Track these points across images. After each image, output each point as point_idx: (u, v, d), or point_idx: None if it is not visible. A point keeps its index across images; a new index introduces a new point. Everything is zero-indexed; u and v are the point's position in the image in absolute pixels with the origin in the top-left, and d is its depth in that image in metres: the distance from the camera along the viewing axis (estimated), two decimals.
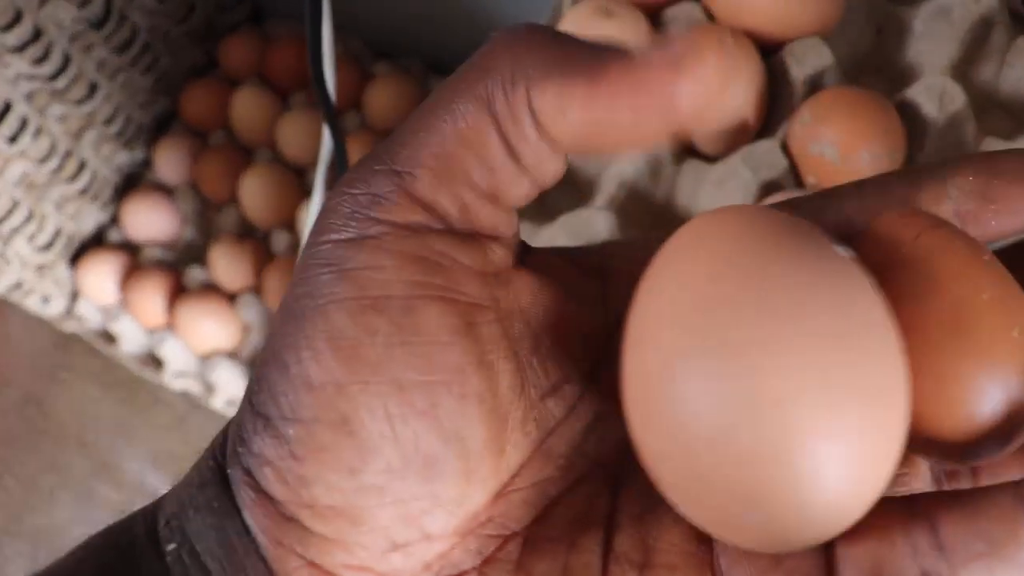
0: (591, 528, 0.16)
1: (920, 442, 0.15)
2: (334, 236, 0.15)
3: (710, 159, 0.37)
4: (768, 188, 0.35)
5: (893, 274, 0.15)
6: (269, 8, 0.73)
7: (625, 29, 0.37)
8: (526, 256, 0.17)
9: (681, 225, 0.16)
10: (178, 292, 0.64)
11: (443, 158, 0.15)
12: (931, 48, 0.38)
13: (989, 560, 0.14)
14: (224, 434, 0.16)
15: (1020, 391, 0.14)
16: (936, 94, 0.35)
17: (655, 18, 0.39)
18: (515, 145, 0.15)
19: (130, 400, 0.69)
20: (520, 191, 0.16)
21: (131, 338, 0.64)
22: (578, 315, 0.17)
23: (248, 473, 0.15)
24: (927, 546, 0.15)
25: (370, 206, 0.15)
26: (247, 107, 0.66)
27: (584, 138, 0.15)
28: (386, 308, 0.15)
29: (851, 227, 0.17)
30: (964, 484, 0.16)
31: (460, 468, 0.15)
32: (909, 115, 0.36)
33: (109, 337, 0.65)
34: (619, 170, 0.37)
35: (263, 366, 0.15)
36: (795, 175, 0.36)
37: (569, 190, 0.40)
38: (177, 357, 0.63)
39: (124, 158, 0.68)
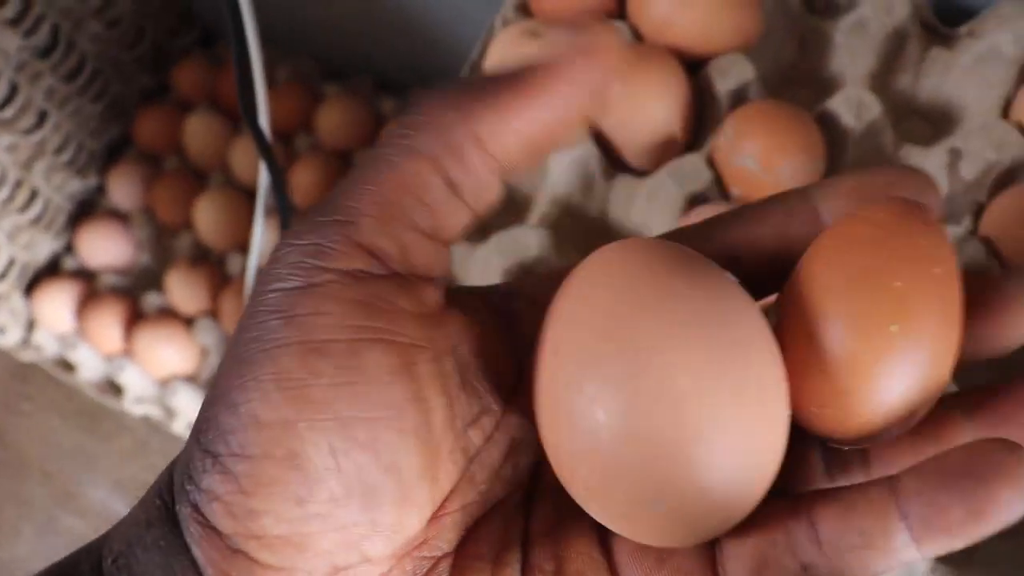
0: (511, 545, 0.17)
1: (822, 430, 0.17)
2: (280, 285, 0.16)
3: (640, 174, 0.38)
4: (695, 200, 0.36)
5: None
6: (219, 31, 0.73)
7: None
8: (449, 295, 0.18)
9: (612, 240, 0.17)
10: (135, 318, 0.64)
11: (384, 204, 0.16)
12: (850, 60, 0.39)
13: (863, 552, 0.15)
14: (170, 473, 0.17)
15: (905, 383, 0.16)
16: (854, 105, 0.37)
17: None
18: (456, 179, 0.16)
19: (91, 428, 0.69)
20: (459, 222, 0.17)
21: (90, 365, 0.64)
22: (497, 351, 0.18)
23: (196, 509, 0.16)
24: (807, 541, 0.16)
25: (315, 255, 0.16)
26: (200, 131, 0.66)
27: (527, 145, 0.17)
28: (331, 351, 0.16)
29: (735, 252, 0.18)
30: (856, 476, 0.17)
31: (398, 496, 0.16)
32: (829, 125, 0.37)
33: (67, 365, 0.65)
34: (552, 188, 0.38)
35: (210, 407, 0.16)
36: (721, 187, 0.37)
37: (503, 209, 0.40)
38: (136, 383, 0.63)
39: (77, 185, 0.68)
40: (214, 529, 0.16)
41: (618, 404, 0.15)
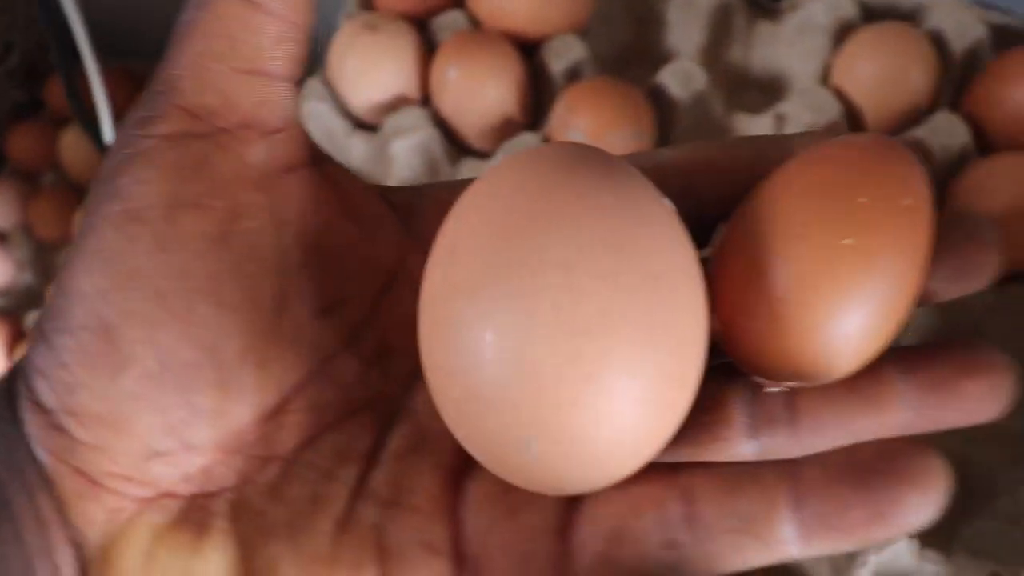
0: (351, 460, 0.16)
1: (755, 363, 0.15)
2: (111, 161, 0.16)
3: (482, 155, 0.39)
4: None
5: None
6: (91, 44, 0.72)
7: (392, 41, 0.39)
8: (323, 166, 0.17)
9: None
10: (19, 337, 0.63)
11: (196, 57, 0.16)
12: (682, 35, 0.41)
13: (738, 536, 0.14)
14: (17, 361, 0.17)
15: (857, 311, 0.14)
16: (679, 76, 0.38)
17: (423, 27, 0.41)
18: (265, 3, 0.16)
19: None
20: (276, 47, 0.16)
21: None
22: (363, 238, 0.17)
23: (27, 385, 0.16)
24: (678, 516, 0.14)
25: (140, 125, 0.16)
26: (76, 146, 0.65)
27: None
28: (148, 218, 0.15)
29: (689, 175, 0.17)
30: (780, 431, 0.15)
31: (216, 378, 0.15)
32: (659, 97, 0.38)
33: None
34: (398, 173, 0.39)
35: (51, 294, 0.16)
36: None
37: None
38: None
39: None
40: (39, 404, 0.15)
41: (508, 324, 0.13)
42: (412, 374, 0.17)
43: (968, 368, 0.15)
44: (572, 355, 0.13)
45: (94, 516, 0.15)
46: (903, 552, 0.31)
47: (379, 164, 0.40)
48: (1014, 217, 0.33)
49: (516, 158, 0.15)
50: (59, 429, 0.15)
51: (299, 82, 0.17)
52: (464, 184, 0.16)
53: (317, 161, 0.17)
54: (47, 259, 0.66)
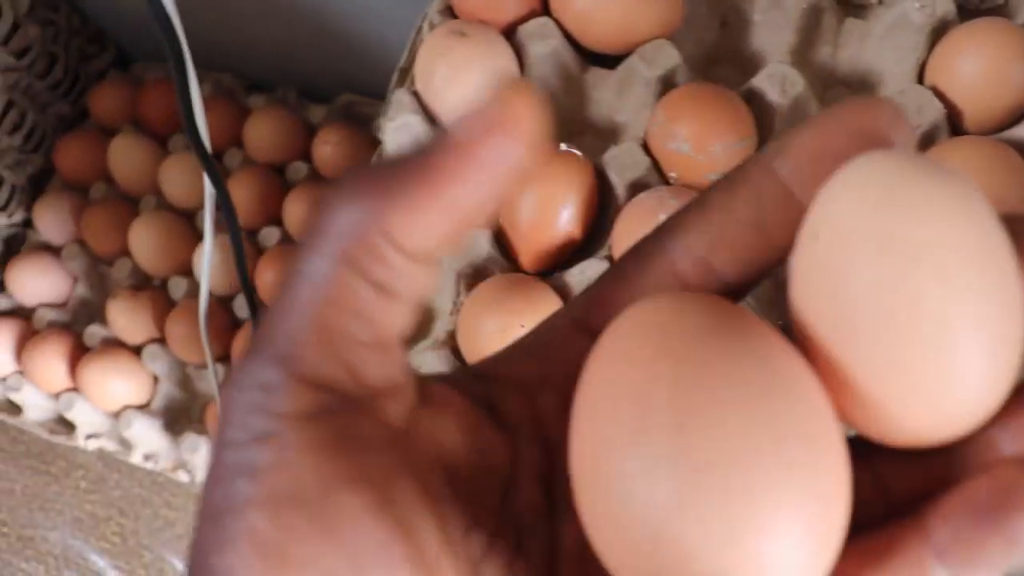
0: None
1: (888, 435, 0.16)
2: (235, 438, 0.15)
3: None
4: (635, 188, 0.37)
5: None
6: (133, 52, 0.71)
7: (480, 48, 0.38)
8: (429, 393, 0.17)
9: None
10: (79, 352, 0.63)
11: (320, 328, 0.15)
12: (771, 37, 0.40)
13: None
14: None
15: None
16: (778, 80, 0.38)
17: (510, 35, 0.40)
18: (384, 282, 0.15)
19: (43, 469, 0.68)
20: (400, 322, 0.16)
21: (36, 405, 0.63)
22: (483, 448, 0.17)
23: None
24: None
25: (263, 401, 0.15)
26: (125, 156, 0.65)
27: (446, 233, 0.15)
28: (302, 503, 0.15)
29: (708, 261, 0.17)
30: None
31: None
32: (756, 102, 0.38)
33: (14, 408, 0.64)
34: None
35: (194, 570, 0.15)
36: (658, 172, 0.38)
37: None
38: (88, 418, 0.62)
39: (2, 222, 0.66)
40: None
41: (654, 493, 0.14)
42: (550, 550, 0.17)
43: None
44: (724, 512, 0.14)
45: None
46: None
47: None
48: None
49: (632, 322, 0.16)
50: None
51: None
52: (517, 353, 0.18)
53: (426, 389, 0.17)
54: (102, 271, 0.66)
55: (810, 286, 0.15)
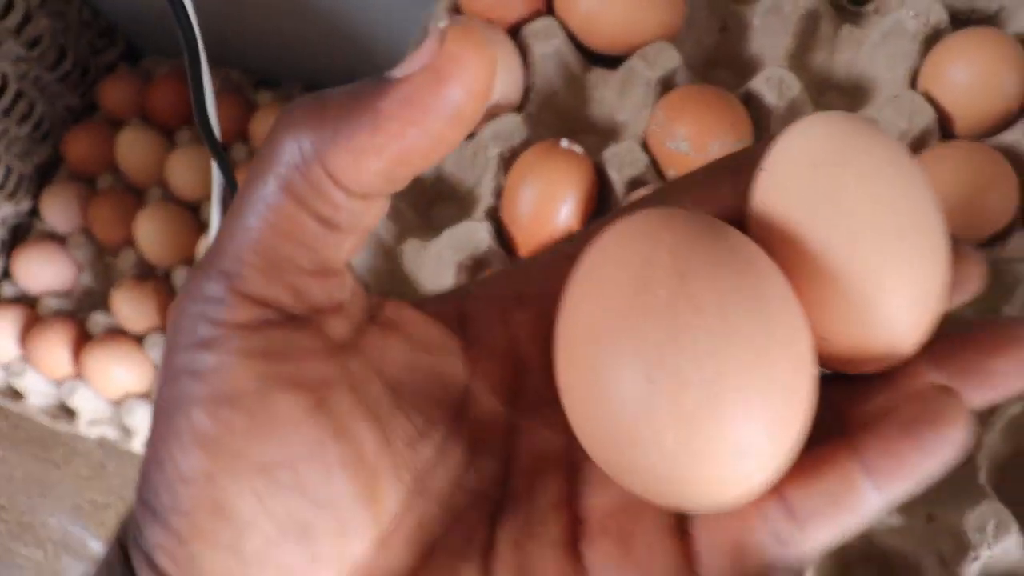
0: (472, 559, 0.17)
1: (840, 363, 0.17)
2: (183, 342, 0.16)
3: None
4: (634, 184, 0.38)
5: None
6: (143, 46, 0.72)
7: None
8: (379, 311, 0.18)
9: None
10: (83, 340, 0.63)
11: (263, 253, 0.16)
12: (769, 41, 0.41)
13: (831, 513, 0.16)
14: (127, 521, 0.17)
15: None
16: (775, 83, 0.39)
17: (515, 34, 0.41)
18: (327, 216, 0.16)
19: (44, 455, 0.68)
20: (345, 251, 0.17)
21: (39, 392, 0.63)
22: (434, 363, 0.18)
23: (145, 555, 0.16)
24: (779, 515, 0.16)
25: (208, 311, 0.16)
26: (132, 148, 0.66)
27: (389, 176, 0.16)
28: (240, 403, 0.16)
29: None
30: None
31: (335, 527, 0.16)
32: (754, 105, 0.39)
33: (16, 394, 0.64)
34: (493, 182, 0.39)
35: (146, 463, 0.17)
36: (657, 171, 0.39)
37: (451, 204, 0.42)
38: (90, 405, 0.62)
39: (9, 211, 0.66)
40: (162, 572, 0.16)
41: (638, 376, 0.15)
42: (503, 468, 0.18)
43: (992, 346, 0.17)
44: (704, 397, 0.15)
45: None
46: (1013, 547, 0.32)
47: (472, 171, 0.41)
48: None
49: (636, 226, 0.16)
50: None
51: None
52: (498, 276, 0.18)
53: (376, 308, 0.18)
54: (107, 261, 0.67)
55: (765, 210, 0.17)
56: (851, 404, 0.17)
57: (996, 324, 0.17)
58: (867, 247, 0.16)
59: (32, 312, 0.65)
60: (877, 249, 0.16)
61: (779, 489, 0.16)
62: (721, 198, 0.18)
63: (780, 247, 0.17)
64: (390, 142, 0.15)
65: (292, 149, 0.15)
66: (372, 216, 0.16)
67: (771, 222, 0.17)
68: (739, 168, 0.19)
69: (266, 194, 0.16)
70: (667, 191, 0.19)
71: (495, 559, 0.17)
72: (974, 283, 0.18)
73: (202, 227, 0.64)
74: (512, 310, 0.19)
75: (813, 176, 0.16)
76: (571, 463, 0.18)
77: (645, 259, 0.16)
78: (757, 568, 0.16)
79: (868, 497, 0.16)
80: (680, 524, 0.17)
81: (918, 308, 0.16)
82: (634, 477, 0.16)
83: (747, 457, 0.15)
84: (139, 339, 0.63)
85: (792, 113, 0.39)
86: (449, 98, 0.15)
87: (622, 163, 0.38)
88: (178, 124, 0.67)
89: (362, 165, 0.15)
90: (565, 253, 0.19)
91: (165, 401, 0.16)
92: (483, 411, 0.18)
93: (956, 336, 0.17)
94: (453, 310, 0.19)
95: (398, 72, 0.15)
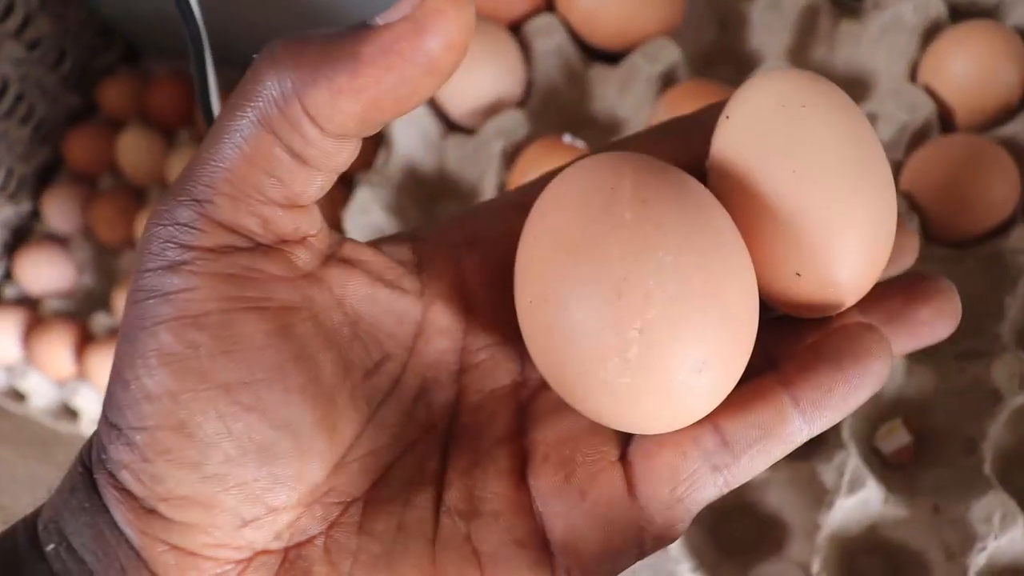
0: (423, 487, 0.18)
1: (794, 303, 0.18)
2: (151, 265, 0.17)
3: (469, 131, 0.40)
4: None
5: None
6: (143, 47, 0.72)
7: (487, 43, 0.39)
8: (339, 248, 0.19)
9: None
10: (85, 341, 0.63)
11: (235, 181, 0.16)
12: (768, 37, 0.41)
13: (762, 442, 0.17)
14: (90, 443, 0.18)
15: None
16: None
17: (516, 31, 0.41)
18: (300, 151, 0.16)
19: (46, 456, 0.68)
20: (314, 188, 0.17)
21: (41, 393, 0.63)
22: (391, 297, 0.19)
23: (111, 475, 0.17)
24: (713, 444, 0.17)
25: (178, 235, 0.16)
26: (133, 148, 0.66)
27: (363, 119, 0.16)
28: (205, 324, 0.16)
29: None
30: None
31: (293, 449, 0.17)
32: None
33: (18, 395, 0.64)
34: (496, 177, 0.39)
35: (111, 383, 0.17)
36: None
37: (454, 199, 0.42)
38: (92, 406, 0.62)
39: (10, 212, 0.66)
40: (127, 491, 0.17)
41: (592, 306, 0.16)
42: (452, 403, 0.19)
43: (918, 296, 0.18)
44: (655, 325, 0.16)
45: None
46: (1019, 538, 0.32)
47: (475, 167, 0.41)
48: None
49: (599, 161, 0.18)
50: (150, 512, 0.17)
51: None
52: (450, 221, 0.20)
53: (337, 245, 0.19)
54: (108, 261, 0.67)
55: (723, 156, 0.18)
56: (782, 346, 0.19)
57: (921, 276, 0.19)
58: (818, 191, 0.17)
59: (34, 313, 0.65)
60: (828, 194, 0.17)
61: (713, 419, 0.17)
62: (670, 153, 0.19)
63: (736, 187, 0.18)
64: (368, 86, 0.16)
65: (273, 85, 0.16)
66: (343, 157, 0.17)
67: (727, 167, 0.18)
68: (687, 128, 0.20)
69: (242, 126, 0.16)
70: (617, 144, 0.20)
71: (445, 487, 0.18)
72: (909, 256, 0.20)
73: None
74: (463, 254, 0.20)
75: (770, 121, 0.17)
76: (519, 402, 0.19)
77: (610, 187, 0.17)
78: (691, 493, 0.17)
79: (797, 428, 0.17)
80: (622, 454, 0.18)
81: (866, 255, 0.17)
82: (590, 396, 0.17)
83: (703, 373, 0.16)
84: None
85: None
86: (427, 48, 0.15)
87: None
88: (178, 124, 0.67)
89: (339, 106, 0.16)
90: (515, 201, 0.20)
91: (132, 322, 0.17)
92: (435, 349, 0.19)
93: (883, 285, 0.19)
94: (408, 251, 0.20)
95: (380, 19, 0.16)
